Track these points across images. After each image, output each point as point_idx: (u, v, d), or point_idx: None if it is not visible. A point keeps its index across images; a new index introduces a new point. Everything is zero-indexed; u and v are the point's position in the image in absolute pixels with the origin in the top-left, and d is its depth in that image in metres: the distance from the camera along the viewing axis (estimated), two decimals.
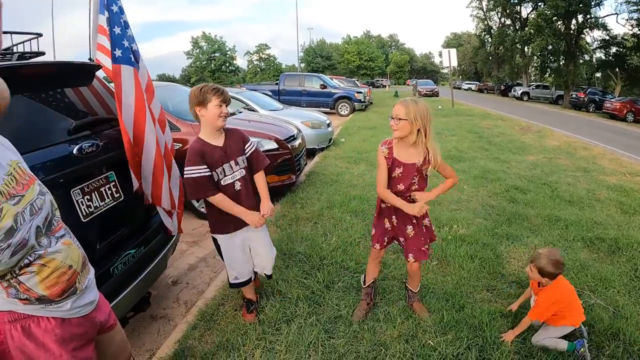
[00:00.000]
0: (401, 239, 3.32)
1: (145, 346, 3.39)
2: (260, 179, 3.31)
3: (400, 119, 2.94)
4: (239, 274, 3.39)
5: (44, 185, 1.73)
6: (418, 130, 2.97)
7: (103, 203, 2.83)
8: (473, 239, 5.06)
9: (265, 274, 3.58)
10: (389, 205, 3.21)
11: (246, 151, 3.25)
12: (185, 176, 2.95)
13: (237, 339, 3.20)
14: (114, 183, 3.00)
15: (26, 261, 1.55)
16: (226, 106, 2.99)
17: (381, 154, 3.12)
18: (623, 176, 9.38)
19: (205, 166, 2.96)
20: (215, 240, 3.39)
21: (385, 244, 3.39)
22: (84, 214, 2.63)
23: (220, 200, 3.01)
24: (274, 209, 3.28)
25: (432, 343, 3.15)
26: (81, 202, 2.62)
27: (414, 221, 3.21)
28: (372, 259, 3.57)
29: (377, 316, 3.52)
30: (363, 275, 3.72)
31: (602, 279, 4.23)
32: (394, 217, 3.26)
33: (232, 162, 3.13)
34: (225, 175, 3.09)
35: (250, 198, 3.25)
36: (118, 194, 3.01)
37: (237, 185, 3.14)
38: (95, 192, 2.78)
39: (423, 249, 3.26)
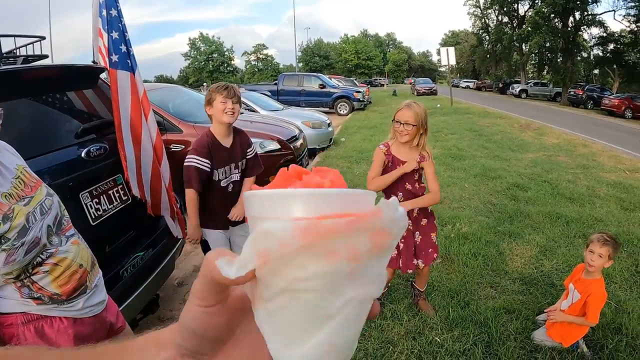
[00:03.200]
0: (414, 260, 3.32)
1: None
2: (248, 184, 3.31)
3: (411, 125, 2.99)
4: None
5: (51, 188, 1.77)
6: (421, 134, 3.06)
7: (111, 206, 2.85)
8: (476, 237, 5.10)
9: None
10: None
11: (247, 155, 3.29)
12: (188, 163, 2.96)
13: None
14: (121, 186, 3.03)
15: (39, 259, 1.59)
16: (233, 102, 3.00)
17: (380, 152, 3.18)
18: (622, 173, 9.40)
19: (209, 161, 2.99)
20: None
21: (394, 262, 3.32)
22: (93, 217, 2.65)
23: (192, 198, 3.01)
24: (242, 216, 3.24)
25: (438, 340, 3.19)
26: (90, 205, 2.64)
27: (420, 223, 3.27)
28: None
29: (384, 314, 3.55)
30: None
31: (603, 275, 4.25)
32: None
33: (233, 165, 3.17)
34: (225, 177, 3.13)
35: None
36: (126, 197, 3.04)
37: (230, 187, 3.19)
38: (104, 195, 2.81)
39: (430, 251, 3.32)
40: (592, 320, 2.93)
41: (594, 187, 7.79)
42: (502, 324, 3.41)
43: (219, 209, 3.20)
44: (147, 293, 3.14)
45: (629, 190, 7.61)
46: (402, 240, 3.28)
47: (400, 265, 3.31)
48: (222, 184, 3.12)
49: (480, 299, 3.81)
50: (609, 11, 40.81)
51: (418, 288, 3.66)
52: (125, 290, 2.80)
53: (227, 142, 3.13)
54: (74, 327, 1.71)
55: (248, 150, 3.29)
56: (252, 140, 3.39)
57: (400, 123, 3.01)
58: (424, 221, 3.33)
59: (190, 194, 3.00)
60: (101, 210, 2.74)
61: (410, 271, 3.35)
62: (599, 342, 3.23)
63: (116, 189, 2.96)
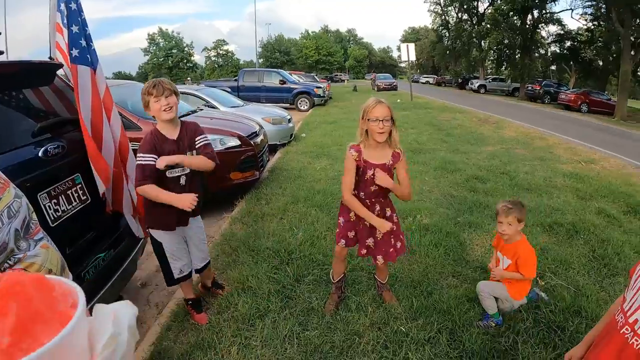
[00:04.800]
0: (368, 241, 3.31)
1: None
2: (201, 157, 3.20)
3: (390, 119, 2.95)
4: (183, 266, 3.39)
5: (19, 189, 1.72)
6: (393, 129, 3.04)
7: (70, 206, 2.79)
8: (437, 228, 5.19)
9: (197, 268, 3.58)
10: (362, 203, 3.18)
11: (197, 144, 3.18)
12: (137, 161, 2.94)
13: (212, 337, 3.20)
14: (80, 185, 2.96)
15: (6, 265, 1.53)
16: (166, 97, 2.94)
17: (350, 158, 3.07)
18: (578, 164, 9.74)
19: (155, 156, 2.92)
20: (153, 238, 3.30)
21: (351, 241, 3.36)
22: (52, 218, 2.59)
23: (146, 190, 2.90)
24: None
25: (403, 329, 3.24)
26: (48, 206, 2.58)
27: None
28: (336, 257, 3.56)
29: (349, 307, 3.59)
30: (331, 271, 3.75)
31: (562, 261, 4.43)
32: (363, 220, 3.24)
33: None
34: (172, 168, 3.04)
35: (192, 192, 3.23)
36: (85, 197, 2.98)
37: (182, 180, 3.12)
38: (62, 196, 2.74)
39: (391, 250, 3.32)
40: (529, 275, 3.16)
41: (550, 178, 8.04)
42: (465, 311, 3.49)
43: (167, 209, 3.04)
44: (110, 295, 3.07)
45: (584, 181, 7.89)
46: (361, 225, 3.27)
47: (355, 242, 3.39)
48: (169, 174, 3.03)
49: (443, 288, 3.89)
50: (567, 10, 42.45)
51: (380, 281, 3.71)
52: (87, 293, 2.69)
53: (172, 134, 3.08)
54: None
55: (197, 139, 3.19)
56: (213, 136, 3.35)
57: (379, 120, 2.91)
58: (388, 212, 3.32)
59: (147, 188, 2.89)
60: (60, 211, 2.68)
61: (364, 252, 3.37)
62: (561, 324, 3.35)
63: (75, 188, 2.89)
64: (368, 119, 2.96)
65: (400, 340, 3.15)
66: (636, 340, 1.31)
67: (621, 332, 1.38)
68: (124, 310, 0.89)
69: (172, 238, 3.28)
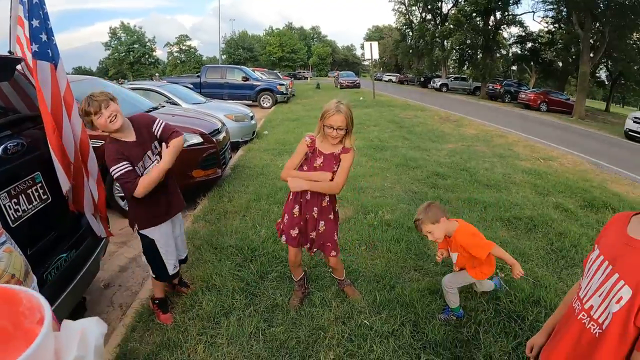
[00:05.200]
0: (312, 235, 3.37)
1: None
2: (177, 142, 3.17)
3: (343, 129, 3.04)
4: (175, 261, 3.41)
5: None
6: (347, 133, 3.12)
7: (31, 206, 2.74)
8: (398, 224, 5.28)
9: (181, 258, 3.61)
10: (302, 198, 3.26)
11: (156, 132, 3.18)
12: (115, 177, 2.87)
13: (178, 337, 3.19)
14: (40, 184, 2.90)
15: None
16: (104, 108, 2.81)
17: (303, 143, 3.19)
18: (537, 161, 10.03)
19: (126, 162, 2.88)
20: (144, 237, 3.26)
21: (294, 241, 3.38)
22: (12, 218, 2.54)
23: (144, 183, 2.90)
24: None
25: (367, 322, 3.31)
26: (9, 206, 2.53)
27: (329, 216, 3.34)
28: (291, 264, 3.63)
29: (313, 302, 3.64)
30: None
31: (521, 254, 4.59)
32: (309, 211, 3.30)
33: (149, 153, 3.10)
34: (145, 168, 3.04)
35: (174, 188, 3.35)
36: (46, 196, 2.92)
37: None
38: (23, 195, 2.68)
39: (328, 245, 3.39)
40: (482, 254, 3.11)
41: (510, 174, 8.27)
42: (427, 304, 3.58)
43: (154, 202, 3.12)
44: (73, 296, 3.05)
45: (542, 177, 8.16)
46: (302, 222, 3.32)
47: (301, 243, 3.43)
48: (147, 171, 3.02)
49: (405, 282, 3.98)
50: (529, 12, 43.63)
51: (337, 278, 3.77)
52: (50, 294, 2.66)
53: (130, 136, 3.03)
54: None
55: (153, 129, 3.16)
56: (154, 117, 3.28)
57: (333, 128, 3.01)
58: (331, 216, 3.37)
59: (142, 183, 2.89)
60: (20, 211, 2.63)
61: (309, 249, 3.45)
62: (520, 314, 3.48)
63: (35, 187, 2.83)
64: (324, 125, 3.05)
65: (364, 334, 3.21)
66: (593, 326, 1.38)
67: (578, 318, 1.45)
68: (92, 328, 0.88)
69: (163, 232, 3.27)
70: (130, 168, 2.89)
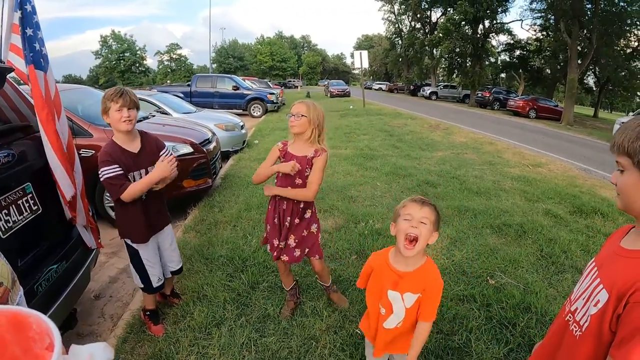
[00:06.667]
0: (289, 241, 3.36)
1: None
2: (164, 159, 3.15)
3: (302, 115, 3.12)
4: (160, 273, 3.40)
5: None
6: (313, 129, 3.16)
7: (22, 217, 2.72)
8: (388, 233, 5.21)
9: (173, 270, 3.61)
10: (280, 207, 3.31)
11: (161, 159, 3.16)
12: (102, 178, 2.89)
13: (169, 348, 3.18)
14: (31, 195, 2.87)
15: None
16: (128, 109, 2.94)
17: (275, 148, 3.29)
18: (526, 168, 10.12)
19: (117, 166, 2.90)
20: (129, 246, 3.28)
21: (278, 251, 3.39)
22: (3, 229, 2.52)
23: (130, 192, 2.91)
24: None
25: (359, 331, 3.28)
26: None
27: (307, 223, 3.38)
28: (281, 272, 3.67)
29: (304, 312, 3.64)
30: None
31: (511, 261, 4.62)
32: (286, 216, 3.31)
33: (143, 171, 3.10)
34: (135, 180, 3.04)
35: (158, 208, 3.32)
36: (36, 207, 2.90)
37: (144, 196, 3.10)
38: (13, 206, 2.66)
39: (317, 243, 3.46)
40: (430, 319, 2.21)
41: (499, 182, 8.33)
42: None
43: (139, 219, 3.13)
44: (64, 308, 3.02)
45: (532, 183, 8.23)
46: (284, 231, 3.32)
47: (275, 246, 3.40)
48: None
49: None
50: (517, 20, 44.10)
51: (324, 284, 3.79)
52: (41, 305, 2.64)
53: (133, 147, 3.07)
54: None
55: (160, 154, 3.18)
56: (165, 143, 3.34)
57: (292, 115, 3.16)
58: (311, 221, 3.41)
59: (129, 190, 2.91)
60: (11, 222, 2.60)
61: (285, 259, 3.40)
62: (511, 320, 3.51)
63: (26, 198, 2.81)
64: (287, 115, 3.24)
65: (356, 343, 3.22)
66: (575, 327, 1.40)
67: (566, 319, 1.48)
68: (99, 354, 0.88)
69: (149, 248, 3.28)
70: (122, 172, 2.91)
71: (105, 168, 2.87)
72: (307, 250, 3.40)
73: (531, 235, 5.39)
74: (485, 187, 7.79)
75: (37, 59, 2.99)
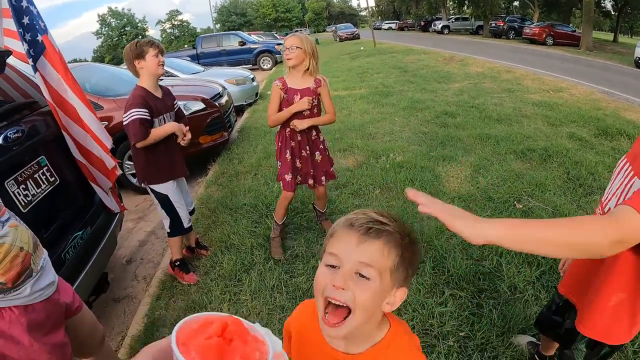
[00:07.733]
0: (311, 171, 3.58)
1: (115, 329, 3.35)
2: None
3: (296, 47, 3.18)
4: (187, 215, 3.53)
5: None
6: (310, 59, 3.24)
7: (40, 190, 2.74)
8: (411, 164, 5.28)
9: (189, 210, 3.70)
10: (292, 140, 3.46)
11: (175, 107, 3.45)
12: (129, 118, 2.99)
13: (202, 298, 3.24)
14: (46, 167, 2.89)
15: None
16: (162, 55, 3.16)
17: (276, 88, 3.35)
18: (546, 93, 9.85)
19: (147, 110, 3.04)
20: (157, 193, 3.37)
21: (290, 184, 3.55)
22: (23, 204, 2.54)
23: (154, 136, 3.10)
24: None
25: None
26: (17, 192, 2.53)
27: (320, 146, 3.56)
28: (283, 203, 3.71)
29: None
30: (274, 214, 3.84)
31: (537, 185, 4.55)
32: (301, 150, 3.50)
33: (168, 115, 3.28)
34: (161, 125, 3.20)
35: (178, 157, 3.45)
36: (53, 178, 2.92)
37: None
38: (30, 180, 2.68)
39: (331, 170, 3.64)
40: None
41: (520, 108, 8.14)
42: (446, 240, 3.60)
43: (165, 159, 3.28)
44: (93, 272, 3.08)
45: (553, 108, 8.01)
46: (300, 162, 3.51)
47: (299, 181, 3.60)
48: (160, 124, 3.21)
49: (423, 220, 3.96)
50: None
51: (319, 210, 3.93)
52: (70, 273, 2.70)
53: (158, 93, 3.26)
54: (25, 315, 1.62)
55: (175, 102, 3.46)
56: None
57: (287, 48, 3.21)
58: (322, 146, 3.60)
59: (150, 137, 3.07)
60: (30, 196, 2.63)
61: (311, 182, 3.63)
62: None
63: (41, 171, 2.83)
64: (280, 49, 3.29)
65: None
66: None
67: None
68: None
69: (175, 188, 3.40)
70: (149, 117, 3.06)
71: (137, 109, 2.99)
72: (324, 171, 3.61)
73: (556, 159, 5.29)
74: (505, 114, 7.65)
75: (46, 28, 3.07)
